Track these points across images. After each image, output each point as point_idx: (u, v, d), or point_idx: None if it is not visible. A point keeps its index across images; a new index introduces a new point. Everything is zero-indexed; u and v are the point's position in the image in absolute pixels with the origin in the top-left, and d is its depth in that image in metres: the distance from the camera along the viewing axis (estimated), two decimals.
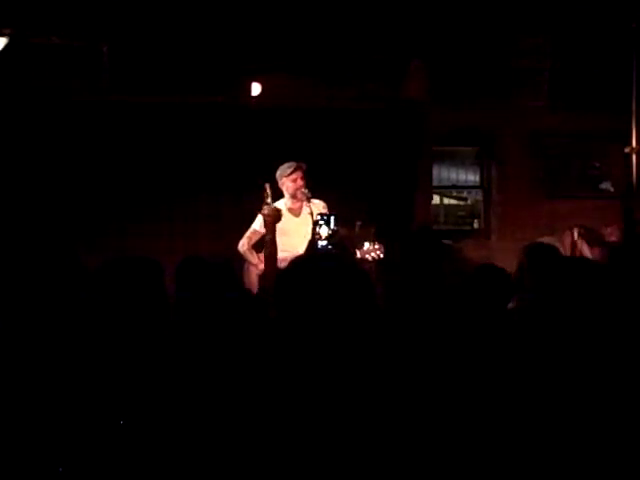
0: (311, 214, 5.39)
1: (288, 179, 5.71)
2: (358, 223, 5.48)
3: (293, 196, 5.73)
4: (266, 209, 5.18)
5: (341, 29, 6.91)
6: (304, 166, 5.73)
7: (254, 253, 5.76)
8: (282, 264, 5.05)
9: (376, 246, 5.11)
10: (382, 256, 5.07)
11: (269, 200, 5.19)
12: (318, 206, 5.67)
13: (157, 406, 2.24)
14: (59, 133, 7.03)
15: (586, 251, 5.49)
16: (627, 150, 6.95)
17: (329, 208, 5.83)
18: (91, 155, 7.10)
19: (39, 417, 2.23)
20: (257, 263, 5.69)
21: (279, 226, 5.24)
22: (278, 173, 5.75)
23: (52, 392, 2.28)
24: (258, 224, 5.64)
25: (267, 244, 5.18)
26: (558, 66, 7.39)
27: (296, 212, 5.76)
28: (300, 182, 5.68)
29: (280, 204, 5.65)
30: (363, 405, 1.91)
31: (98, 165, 7.11)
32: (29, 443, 2.17)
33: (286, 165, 5.75)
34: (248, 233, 5.79)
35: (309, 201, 5.47)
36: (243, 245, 5.83)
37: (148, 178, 7.27)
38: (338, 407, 1.88)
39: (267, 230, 5.21)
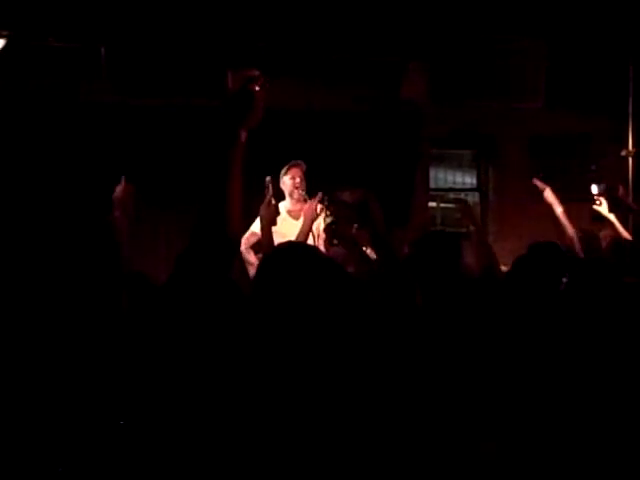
0: None
1: (286, 176, 5.77)
2: (355, 225, 5.47)
3: (291, 195, 5.76)
4: (262, 209, 4.95)
5: (339, 31, 6.91)
6: (302, 164, 5.76)
7: (252, 253, 5.76)
8: None
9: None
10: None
11: (269, 196, 4.91)
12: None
13: (157, 406, 2.24)
14: (57, 135, 7.01)
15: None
16: (623, 153, 6.96)
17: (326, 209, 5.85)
18: (88, 157, 7.08)
19: (39, 417, 2.23)
20: (253, 262, 5.67)
21: (277, 229, 5.21)
22: (280, 174, 5.80)
23: (52, 392, 2.28)
24: (257, 226, 5.62)
25: (263, 246, 5.05)
26: (556, 68, 7.39)
27: (295, 215, 5.78)
28: (298, 180, 5.72)
29: (280, 206, 5.66)
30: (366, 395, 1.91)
31: (95, 167, 7.09)
32: (29, 443, 2.17)
33: (286, 165, 5.81)
34: (247, 234, 5.78)
35: (306, 203, 5.51)
36: (242, 245, 5.82)
37: (146, 180, 7.24)
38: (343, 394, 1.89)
39: (262, 231, 4.99)
